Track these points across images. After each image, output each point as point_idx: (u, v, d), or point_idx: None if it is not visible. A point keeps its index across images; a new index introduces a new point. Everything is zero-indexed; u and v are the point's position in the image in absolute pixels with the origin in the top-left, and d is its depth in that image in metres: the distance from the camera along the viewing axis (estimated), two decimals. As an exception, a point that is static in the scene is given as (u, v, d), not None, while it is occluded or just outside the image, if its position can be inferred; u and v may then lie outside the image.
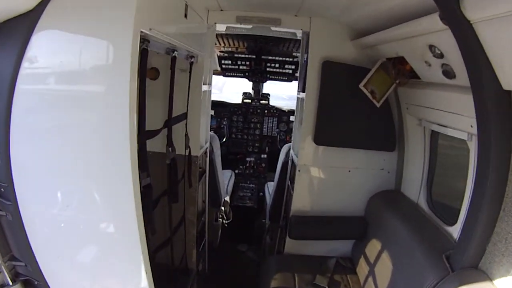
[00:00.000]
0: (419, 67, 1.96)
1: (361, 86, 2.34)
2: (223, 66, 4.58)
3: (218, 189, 3.35)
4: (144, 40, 1.30)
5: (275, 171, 4.83)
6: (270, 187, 4.13)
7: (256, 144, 4.87)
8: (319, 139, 2.54)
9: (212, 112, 4.69)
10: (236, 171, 4.71)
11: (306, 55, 2.58)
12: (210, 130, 4.73)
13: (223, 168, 4.35)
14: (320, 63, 2.47)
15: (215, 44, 3.79)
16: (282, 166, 3.11)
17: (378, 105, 2.41)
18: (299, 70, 2.84)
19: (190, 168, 2.46)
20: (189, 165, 2.43)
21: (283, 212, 3.19)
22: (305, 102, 2.53)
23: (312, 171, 2.66)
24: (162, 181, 2.16)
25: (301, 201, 2.73)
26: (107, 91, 1.16)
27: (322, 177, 2.70)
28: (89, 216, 1.29)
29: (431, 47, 1.60)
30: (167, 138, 2.08)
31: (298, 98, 2.83)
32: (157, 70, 2.47)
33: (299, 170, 2.63)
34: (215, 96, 4.90)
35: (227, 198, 3.83)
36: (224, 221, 3.69)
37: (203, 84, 2.54)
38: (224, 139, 4.65)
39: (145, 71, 1.37)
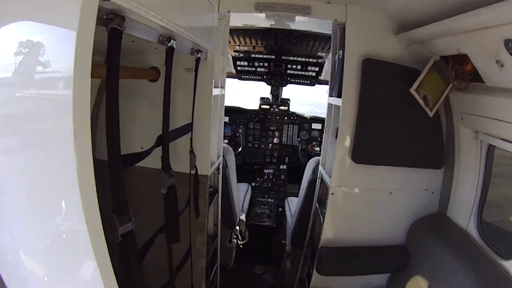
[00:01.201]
0: (487, 68, 1.53)
1: (412, 90, 1.85)
2: (239, 68, 4.14)
3: (233, 209, 2.91)
4: (114, 15, 0.85)
5: (295, 183, 4.38)
6: (291, 203, 3.68)
7: (275, 154, 4.45)
8: (359, 157, 2.04)
9: (227, 119, 4.38)
10: (253, 184, 4.26)
11: (341, 51, 2.10)
12: (224, 139, 4.44)
13: (238, 181, 3.96)
14: (360, 61, 1.98)
15: (229, 42, 3.36)
16: (309, 184, 2.62)
17: (431, 114, 1.94)
18: (331, 71, 2.35)
19: (197, 192, 2.01)
20: (195, 189, 1.98)
21: (308, 237, 2.72)
22: (342, 110, 2.04)
23: (347, 194, 2.16)
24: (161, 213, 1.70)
25: (333, 229, 2.24)
26: (39, 96, 0.69)
27: (359, 201, 2.21)
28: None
29: (508, 42, 1.26)
30: (161, 159, 1.58)
31: (330, 104, 2.34)
32: (157, 70, 2.07)
33: (332, 194, 2.14)
34: (229, 102, 4.64)
35: (243, 217, 3.42)
36: (239, 242, 3.29)
37: (214, 87, 2.10)
38: (240, 149, 4.21)
39: (115, 64, 0.91)
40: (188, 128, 1.85)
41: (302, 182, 2.83)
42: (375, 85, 1.97)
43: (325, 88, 3.53)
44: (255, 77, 4.29)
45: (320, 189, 2.49)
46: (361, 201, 2.21)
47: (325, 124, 2.40)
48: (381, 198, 2.22)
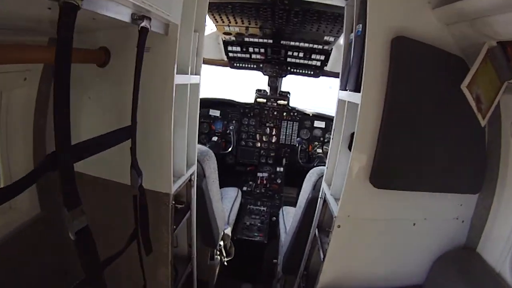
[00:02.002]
0: None
1: (463, 86, 1.28)
2: (230, 54, 3.53)
3: (213, 227, 2.37)
4: None
5: (292, 186, 3.99)
6: (286, 215, 3.16)
7: (271, 154, 3.91)
8: (381, 180, 1.47)
9: (218, 113, 3.87)
10: (244, 188, 3.72)
11: (360, 25, 1.50)
12: (215, 135, 3.81)
13: (227, 185, 3.50)
14: (388, 41, 1.38)
15: (216, 20, 2.76)
16: (308, 203, 2.05)
17: (483, 122, 1.40)
18: (344, 55, 1.75)
19: (146, 224, 1.46)
20: (142, 221, 1.43)
21: (303, 268, 2.19)
22: (362, 111, 1.43)
23: (359, 227, 1.60)
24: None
25: (336, 269, 1.69)
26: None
27: (374, 235, 1.65)
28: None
29: None
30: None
31: (341, 101, 1.74)
32: (106, 52, 1.53)
33: (338, 226, 1.57)
34: (220, 94, 4.08)
35: (228, 231, 2.91)
36: (223, 258, 2.78)
37: (179, 74, 1.52)
38: (230, 148, 3.66)
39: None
40: (123, 133, 1.28)
41: (300, 197, 2.27)
42: (410, 75, 1.38)
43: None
44: (249, 65, 3.69)
45: (322, 212, 1.92)
46: (376, 236, 1.65)
47: (333, 127, 1.80)
48: (402, 230, 1.68)
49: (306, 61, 3.50)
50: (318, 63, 3.49)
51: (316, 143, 3.84)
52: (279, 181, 3.80)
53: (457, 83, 1.32)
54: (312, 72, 3.64)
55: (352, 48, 1.56)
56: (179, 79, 1.48)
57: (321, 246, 1.84)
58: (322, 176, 1.98)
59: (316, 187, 2.02)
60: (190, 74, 1.65)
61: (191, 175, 1.89)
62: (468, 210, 1.73)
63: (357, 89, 1.44)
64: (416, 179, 1.49)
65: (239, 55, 3.54)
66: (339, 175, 1.67)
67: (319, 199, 1.93)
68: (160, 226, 1.67)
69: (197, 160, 2.03)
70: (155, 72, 1.43)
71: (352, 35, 1.63)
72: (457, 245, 1.78)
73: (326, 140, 3.80)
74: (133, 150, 1.30)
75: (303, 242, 2.15)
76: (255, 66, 3.70)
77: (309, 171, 2.20)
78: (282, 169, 3.85)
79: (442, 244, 1.76)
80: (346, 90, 1.61)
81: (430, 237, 1.74)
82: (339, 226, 1.57)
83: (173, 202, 1.66)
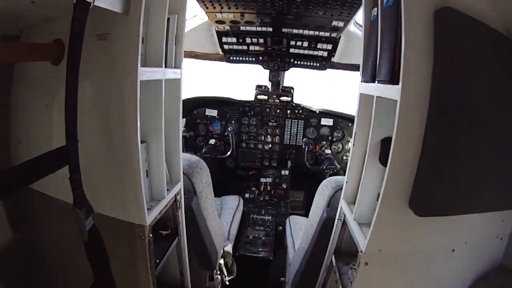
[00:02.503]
0: None
1: None
2: (225, 47, 3.14)
3: (208, 249, 2.02)
4: None
5: (299, 189, 3.64)
6: (294, 225, 2.81)
7: (275, 156, 3.57)
8: (425, 204, 1.08)
9: (215, 113, 3.51)
10: (246, 195, 3.35)
11: None
12: (213, 137, 3.41)
13: (226, 192, 3.29)
14: (431, 13, 0.99)
15: (206, 7, 2.37)
16: (323, 224, 1.66)
17: None
18: (366, 37, 1.35)
19: (106, 268, 1.09)
20: (101, 264, 1.07)
21: None
22: (402, 108, 1.02)
23: (390, 262, 1.22)
24: None
25: None
26: None
27: (407, 269, 1.28)
28: None
29: None
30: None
31: (364, 96, 1.35)
32: (61, 45, 1.17)
33: (366, 264, 1.19)
34: (217, 92, 3.72)
35: (229, 247, 2.56)
36: (224, 278, 2.46)
37: (147, 66, 1.15)
38: (229, 152, 3.29)
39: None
40: (55, 158, 0.91)
41: (311, 213, 1.89)
42: (461, 60, 0.99)
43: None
44: (247, 59, 3.29)
45: (340, 234, 1.54)
46: (409, 270, 1.27)
47: (354, 130, 1.40)
48: (440, 259, 1.32)
49: (311, 52, 3.09)
50: (325, 53, 3.09)
51: (324, 142, 3.48)
52: (284, 186, 3.43)
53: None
54: (318, 64, 3.24)
55: (379, 26, 1.17)
56: (146, 73, 1.10)
57: (340, 278, 1.47)
58: (339, 190, 1.60)
59: (332, 203, 1.64)
60: (166, 67, 1.27)
61: (176, 195, 1.52)
62: (508, 226, 1.39)
63: (392, 79, 1.04)
64: (471, 200, 1.10)
65: (235, 47, 3.14)
66: (366, 194, 1.28)
67: (336, 220, 1.54)
68: (136, 264, 1.32)
69: (185, 174, 1.67)
70: (116, 66, 1.06)
71: (376, 10, 1.23)
72: (494, 265, 1.45)
73: (334, 139, 3.45)
74: (74, 180, 0.93)
75: (316, 266, 1.79)
76: (253, 59, 3.31)
77: (322, 182, 1.81)
78: (287, 172, 3.49)
79: (479, 266, 1.43)
80: (373, 81, 1.20)
81: (468, 261, 1.39)
82: (366, 264, 1.18)
83: (150, 235, 1.29)
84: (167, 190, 1.44)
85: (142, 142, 1.27)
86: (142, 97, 1.14)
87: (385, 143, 1.16)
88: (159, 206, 1.36)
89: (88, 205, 0.98)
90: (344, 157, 3.44)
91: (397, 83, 0.99)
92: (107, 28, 1.08)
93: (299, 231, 2.68)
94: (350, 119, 3.39)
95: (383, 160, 1.15)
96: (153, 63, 1.21)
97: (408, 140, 1.01)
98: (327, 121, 3.46)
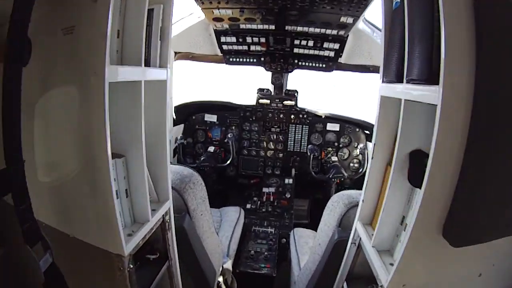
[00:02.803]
0: None
1: None
2: (224, 47, 2.93)
3: (205, 272, 1.80)
4: None
5: (303, 198, 3.44)
6: (299, 239, 2.60)
7: (278, 164, 3.39)
8: (462, 233, 0.88)
9: (214, 118, 3.33)
10: (248, 206, 3.14)
11: None
12: (212, 144, 3.21)
13: (226, 202, 3.14)
14: None
15: (202, 2, 2.17)
16: (334, 246, 1.43)
17: None
18: (387, 29, 1.12)
19: None
20: None
21: None
22: (444, 115, 0.77)
23: None
24: None
25: None
26: None
27: None
28: None
29: None
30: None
31: (385, 100, 1.12)
32: (29, 44, 0.95)
33: None
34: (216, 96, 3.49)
35: (229, 264, 2.36)
36: None
37: (123, 65, 0.94)
38: (229, 160, 3.09)
39: None
40: None
41: (319, 231, 1.66)
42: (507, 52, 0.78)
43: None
44: (248, 60, 3.09)
45: (354, 259, 1.31)
46: None
47: (374, 140, 1.17)
48: (464, 285, 1.14)
49: (316, 52, 2.89)
50: (332, 54, 2.88)
51: (330, 149, 3.29)
52: (288, 195, 3.23)
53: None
54: (324, 65, 3.03)
55: (405, 15, 0.95)
56: (120, 73, 0.89)
57: None
58: (352, 207, 1.38)
59: (344, 223, 1.41)
60: (149, 66, 1.07)
61: (164, 216, 1.31)
62: None
63: (430, 78, 0.82)
64: (506, 224, 0.89)
65: (235, 47, 2.94)
66: (388, 217, 1.05)
67: (349, 244, 1.31)
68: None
69: (175, 190, 1.46)
70: (80, 65, 0.86)
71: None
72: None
73: (341, 145, 3.26)
74: (21, 212, 0.72)
75: None
76: (255, 60, 3.10)
77: (332, 197, 1.58)
78: (291, 181, 3.30)
79: (506, 286, 1.23)
80: (400, 81, 0.98)
81: (495, 282, 1.21)
82: None
83: (131, 266, 1.08)
84: (153, 210, 1.23)
85: (119, 156, 1.06)
86: (117, 101, 0.94)
87: (415, 157, 0.94)
88: (142, 230, 1.15)
89: (44, 240, 0.78)
90: (351, 164, 3.26)
91: (437, 83, 0.77)
92: (73, 20, 0.88)
93: (304, 245, 2.47)
94: (357, 124, 3.21)
95: (415, 179, 0.93)
96: (131, 61, 1.01)
97: (449, 156, 0.79)
98: (333, 126, 3.27)
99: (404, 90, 0.94)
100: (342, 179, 3.06)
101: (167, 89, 1.18)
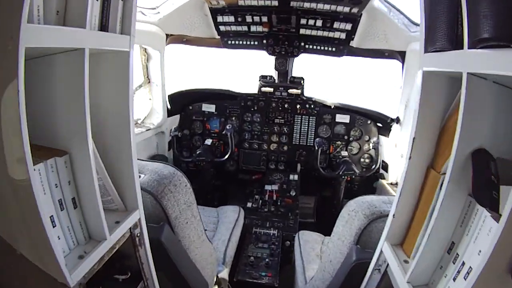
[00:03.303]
0: None
1: None
2: (221, 28, 2.64)
3: (192, 286, 1.53)
4: None
5: (309, 195, 3.26)
6: (305, 244, 2.34)
7: (282, 159, 3.18)
8: None
9: (213, 108, 3.10)
10: (249, 204, 2.87)
11: None
12: (211, 136, 3.15)
13: (225, 201, 3.04)
14: None
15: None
16: (350, 271, 1.14)
17: None
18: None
19: None
20: None
21: None
22: None
23: None
24: None
25: None
26: None
27: None
28: None
29: None
30: None
31: (429, 75, 0.80)
32: None
33: None
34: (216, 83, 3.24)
35: (225, 273, 2.12)
36: None
37: (52, 24, 0.65)
38: (228, 155, 2.83)
39: None
40: None
41: (331, 246, 1.37)
42: None
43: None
44: (248, 43, 2.82)
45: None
46: None
47: (413, 134, 0.85)
48: None
49: (325, 33, 2.59)
50: (343, 35, 2.58)
51: (339, 142, 3.03)
52: (293, 193, 2.97)
53: None
54: (334, 49, 2.74)
55: None
56: (48, 37, 0.60)
57: None
58: (375, 220, 1.08)
59: (363, 240, 1.12)
60: (106, 30, 0.78)
61: (132, 229, 1.02)
62: None
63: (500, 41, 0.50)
64: None
65: (233, 28, 2.67)
66: (434, 244, 0.75)
67: (371, 268, 1.02)
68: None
69: (151, 195, 1.17)
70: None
71: None
72: None
73: (351, 139, 3.01)
74: None
75: None
76: (256, 43, 2.84)
77: (348, 203, 1.28)
78: (296, 177, 3.06)
79: None
80: (458, 47, 0.65)
81: None
82: None
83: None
84: (116, 223, 0.95)
85: (60, 153, 0.78)
86: (51, 78, 0.65)
87: (481, 160, 0.63)
88: (99, 250, 0.87)
89: None
90: (362, 160, 3.03)
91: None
92: None
93: (311, 251, 2.20)
94: (369, 115, 2.93)
95: (483, 193, 0.62)
96: (73, 24, 0.72)
97: None
98: (343, 118, 3.00)
99: (467, 58, 0.62)
100: (353, 177, 2.79)
101: (129, 64, 0.88)
